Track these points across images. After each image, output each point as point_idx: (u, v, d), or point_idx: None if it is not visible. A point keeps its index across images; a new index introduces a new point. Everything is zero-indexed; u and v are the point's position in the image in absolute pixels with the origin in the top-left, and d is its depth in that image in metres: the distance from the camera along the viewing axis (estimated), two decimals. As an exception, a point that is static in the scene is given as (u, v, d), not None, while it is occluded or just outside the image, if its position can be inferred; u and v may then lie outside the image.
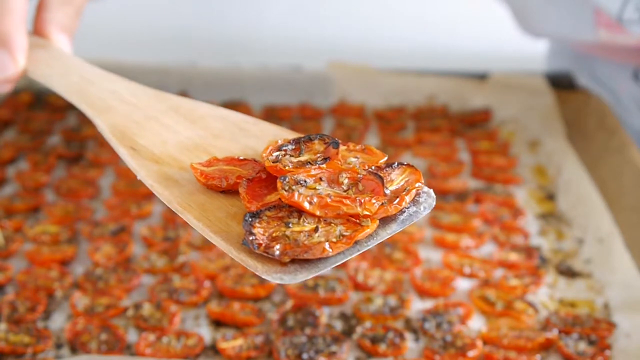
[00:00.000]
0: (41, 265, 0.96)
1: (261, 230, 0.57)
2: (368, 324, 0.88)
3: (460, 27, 1.89)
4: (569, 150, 1.20)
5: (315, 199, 0.58)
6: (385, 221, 0.59)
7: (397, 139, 1.27)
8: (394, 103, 1.37)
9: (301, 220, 0.58)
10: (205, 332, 0.87)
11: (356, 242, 0.58)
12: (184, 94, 1.36)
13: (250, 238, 0.56)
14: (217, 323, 0.88)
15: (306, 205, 0.57)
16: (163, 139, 0.70)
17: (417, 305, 0.91)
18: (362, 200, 0.58)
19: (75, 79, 0.80)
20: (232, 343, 0.84)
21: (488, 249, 1.02)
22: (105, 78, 0.80)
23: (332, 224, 0.58)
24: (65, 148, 1.22)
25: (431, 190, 0.62)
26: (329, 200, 0.58)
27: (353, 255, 0.57)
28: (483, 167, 1.19)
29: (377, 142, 1.27)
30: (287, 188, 0.58)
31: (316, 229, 0.57)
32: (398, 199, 0.59)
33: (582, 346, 0.85)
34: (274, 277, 0.56)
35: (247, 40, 1.85)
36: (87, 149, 1.23)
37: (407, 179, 0.62)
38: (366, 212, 0.58)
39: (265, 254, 0.56)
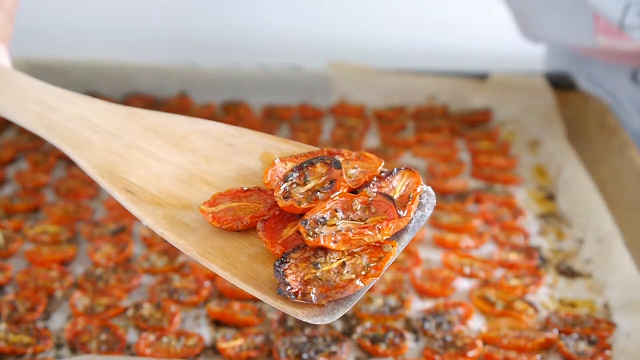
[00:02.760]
0: (41, 265, 0.96)
1: (293, 277, 0.58)
2: (368, 324, 0.88)
3: (460, 27, 1.89)
4: (569, 150, 1.20)
5: (338, 237, 0.59)
6: (397, 233, 0.61)
7: (397, 139, 1.27)
8: (394, 103, 1.37)
9: (327, 257, 0.59)
10: (205, 332, 0.87)
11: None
12: (184, 94, 1.36)
13: (287, 289, 0.57)
14: (217, 323, 0.88)
15: (332, 245, 0.59)
16: (155, 173, 0.68)
17: (417, 305, 0.91)
18: (380, 227, 0.59)
19: (33, 106, 0.74)
20: (232, 343, 0.84)
21: (488, 249, 1.02)
22: (63, 99, 0.75)
23: (356, 254, 0.59)
24: (65, 148, 1.22)
25: (430, 188, 0.64)
26: (350, 234, 0.59)
27: (379, 277, 0.58)
28: (483, 167, 1.19)
29: (377, 142, 1.27)
30: (311, 234, 0.59)
31: (343, 264, 0.59)
32: (406, 211, 0.61)
33: (582, 346, 0.85)
34: (315, 320, 0.57)
35: (247, 40, 1.85)
36: (87, 149, 1.22)
37: (407, 182, 0.64)
38: (386, 237, 0.60)
39: (302, 302, 0.57)
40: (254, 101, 1.36)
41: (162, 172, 0.68)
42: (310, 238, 0.59)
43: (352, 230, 0.59)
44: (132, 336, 0.86)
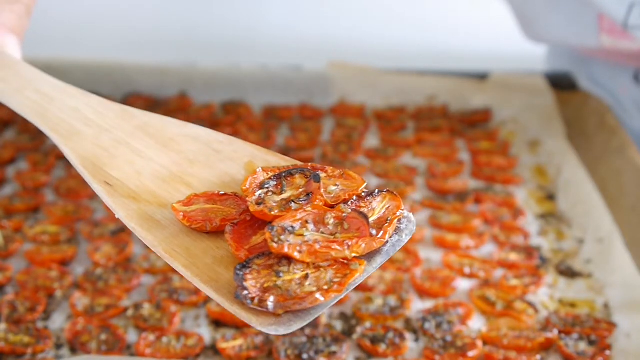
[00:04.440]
0: (41, 265, 0.96)
1: (253, 282, 0.56)
2: (368, 324, 0.88)
3: (460, 27, 1.89)
4: (569, 150, 1.20)
5: (304, 248, 0.57)
6: (370, 254, 0.59)
7: (397, 139, 1.27)
8: (394, 103, 1.37)
9: (291, 267, 0.57)
10: (205, 332, 0.87)
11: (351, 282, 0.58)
12: (184, 94, 1.36)
13: (244, 293, 0.56)
14: (217, 323, 0.88)
15: (296, 255, 0.57)
16: (137, 169, 0.68)
17: (417, 305, 0.91)
18: (350, 243, 0.58)
19: (33, 95, 0.76)
20: (232, 343, 0.84)
21: (488, 249, 1.02)
22: (63, 92, 0.76)
23: (322, 268, 0.58)
24: (65, 148, 1.22)
25: (411, 215, 0.62)
26: (317, 247, 0.57)
27: (343, 296, 0.57)
28: (483, 167, 1.19)
29: (377, 142, 1.27)
30: (276, 240, 0.57)
31: (307, 276, 0.57)
32: (382, 233, 0.59)
33: (582, 346, 0.85)
34: (269, 329, 0.55)
35: (247, 40, 1.86)
36: (87, 149, 1.22)
37: (387, 206, 0.62)
38: (354, 255, 0.58)
39: (258, 308, 0.56)
40: (254, 101, 1.36)
41: (144, 169, 0.68)
42: (274, 244, 0.57)
43: (320, 243, 0.58)
44: (132, 336, 0.86)
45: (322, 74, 1.38)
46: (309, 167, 0.65)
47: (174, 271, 0.95)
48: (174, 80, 1.37)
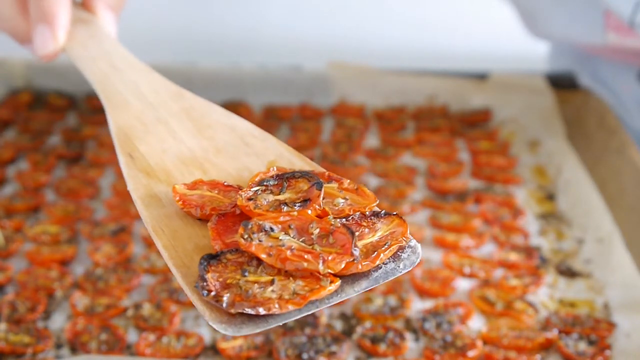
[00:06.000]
0: (41, 265, 0.96)
1: (216, 275, 0.55)
2: (368, 324, 0.88)
3: (460, 27, 1.89)
4: (569, 150, 1.20)
5: (274, 251, 0.55)
6: (355, 276, 0.56)
7: (397, 139, 1.27)
8: (394, 103, 1.37)
9: (259, 270, 0.55)
10: (205, 332, 0.87)
11: (316, 299, 0.55)
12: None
13: (202, 284, 0.54)
14: (217, 323, 0.88)
15: (263, 256, 0.55)
16: (164, 148, 0.70)
17: (417, 305, 0.91)
18: (326, 258, 0.55)
19: (103, 65, 0.80)
20: (232, 343, 0.84)
21: (488, 249, 1.02)
22: (131, 66, 0.81)
23: (291, 278, 0.55)
24: (65, 148, 1.22)
25: (418, 246, 0.58)
26: (289, 253, 0.54)
27: (310, 312, 0.54)
28: (483, 167, 1.19)
29: (377, 142, 1.27)
30: (246, 236, 0.55)
31: (272, 282, 0.55)
32: (373, 256, 0.56)
33: (582, 346, 0.85)
34: (219, 327, 0.54)
35: (247, 40, 1.85)
36: (87, 149, 1.23)
37: (393, 230, 0.59)
38: (329, 271, 0.54)
39: (213, 302, 0.54)
40: (254, 101, 1.36)
41: (171, 149, 0.70)
42: (242, 240, 0.55)
43: (293, 250, 0.55)
44: (132, 336, 0.86)
45: (322, 74, 1.38)
46: (327, 176, 0.63)
47: (174, 271, 0.95)
48: (174, 80, 1.35)
